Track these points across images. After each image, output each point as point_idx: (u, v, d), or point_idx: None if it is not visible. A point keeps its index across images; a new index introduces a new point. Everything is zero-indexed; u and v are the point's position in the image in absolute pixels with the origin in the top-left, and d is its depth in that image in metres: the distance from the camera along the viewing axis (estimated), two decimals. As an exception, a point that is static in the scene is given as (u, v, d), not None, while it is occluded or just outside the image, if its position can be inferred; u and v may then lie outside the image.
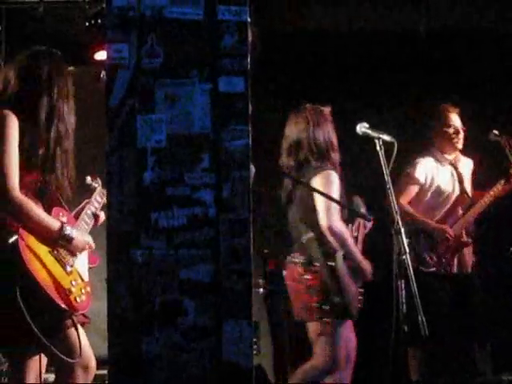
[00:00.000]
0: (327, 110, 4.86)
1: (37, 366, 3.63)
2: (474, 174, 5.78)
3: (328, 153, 4.76)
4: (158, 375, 2.73)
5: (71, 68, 6.03)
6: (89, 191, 4.00)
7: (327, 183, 4.64)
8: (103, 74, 3.69)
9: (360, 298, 4.69)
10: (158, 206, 2.75)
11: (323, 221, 4.61)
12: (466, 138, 5.65)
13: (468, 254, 5.67)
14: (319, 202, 4.62)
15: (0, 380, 5.41)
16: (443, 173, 5.71)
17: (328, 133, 4.80)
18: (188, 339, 2.73)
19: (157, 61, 2.79)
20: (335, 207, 4.61)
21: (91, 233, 3.85)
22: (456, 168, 5.71)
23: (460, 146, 5.69)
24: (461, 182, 5.69)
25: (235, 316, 2.75)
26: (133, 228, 2.73)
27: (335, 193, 4.62)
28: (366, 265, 4.72)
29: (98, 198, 3.94)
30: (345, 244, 4.63)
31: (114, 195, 2.75)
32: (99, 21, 5.30)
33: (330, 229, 4.60)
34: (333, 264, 4.57)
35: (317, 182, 4.63)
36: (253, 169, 3.02)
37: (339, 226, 4.63)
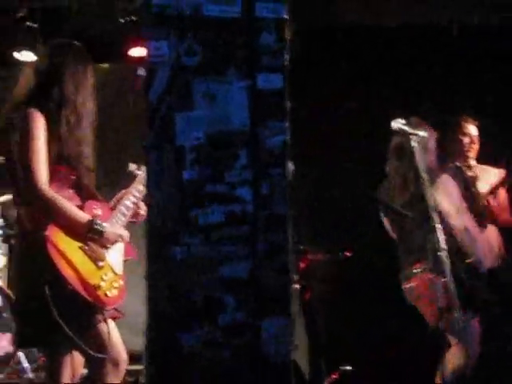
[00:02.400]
0: None
1: (72, 361, 3.65)
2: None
3: None
4: (195, 372, 2.74)
5: (105, 64, 6.12)
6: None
7: None
8: (140, 70, 3.69)
9: None
10: (197, 203, 2.75)
11: None
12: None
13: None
14: None
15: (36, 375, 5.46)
16: None
17: None
18: (227, 336, 2.73)
19: (195, 58, 2.79)
20: None
21: (129, 226, 3.79)
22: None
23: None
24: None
25: (274, 313, 2.75)
26: (172, 225, 2.74)
27: None
28: None
29: (140, 187, 3.81)
30: None
31: (153, 193, 2.76)
32: (134, 18, 5.32)
33: None
34: None
35: None
36: (291, 165, 3.01)
37: None
